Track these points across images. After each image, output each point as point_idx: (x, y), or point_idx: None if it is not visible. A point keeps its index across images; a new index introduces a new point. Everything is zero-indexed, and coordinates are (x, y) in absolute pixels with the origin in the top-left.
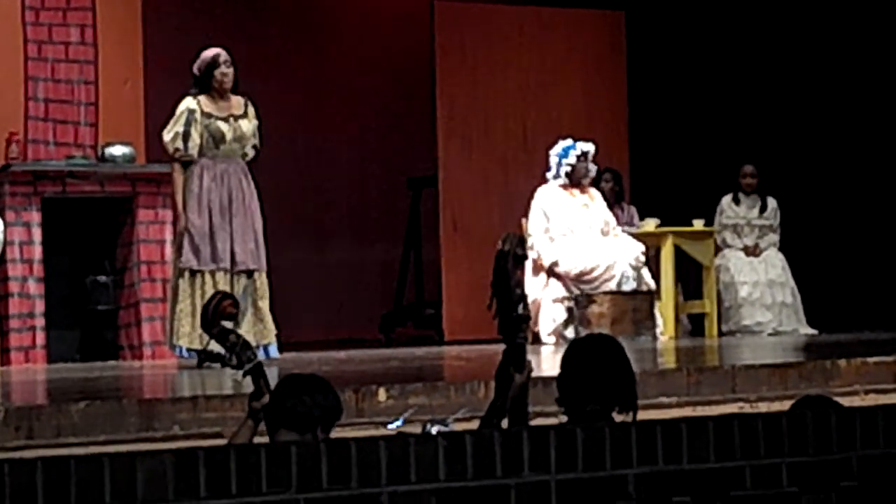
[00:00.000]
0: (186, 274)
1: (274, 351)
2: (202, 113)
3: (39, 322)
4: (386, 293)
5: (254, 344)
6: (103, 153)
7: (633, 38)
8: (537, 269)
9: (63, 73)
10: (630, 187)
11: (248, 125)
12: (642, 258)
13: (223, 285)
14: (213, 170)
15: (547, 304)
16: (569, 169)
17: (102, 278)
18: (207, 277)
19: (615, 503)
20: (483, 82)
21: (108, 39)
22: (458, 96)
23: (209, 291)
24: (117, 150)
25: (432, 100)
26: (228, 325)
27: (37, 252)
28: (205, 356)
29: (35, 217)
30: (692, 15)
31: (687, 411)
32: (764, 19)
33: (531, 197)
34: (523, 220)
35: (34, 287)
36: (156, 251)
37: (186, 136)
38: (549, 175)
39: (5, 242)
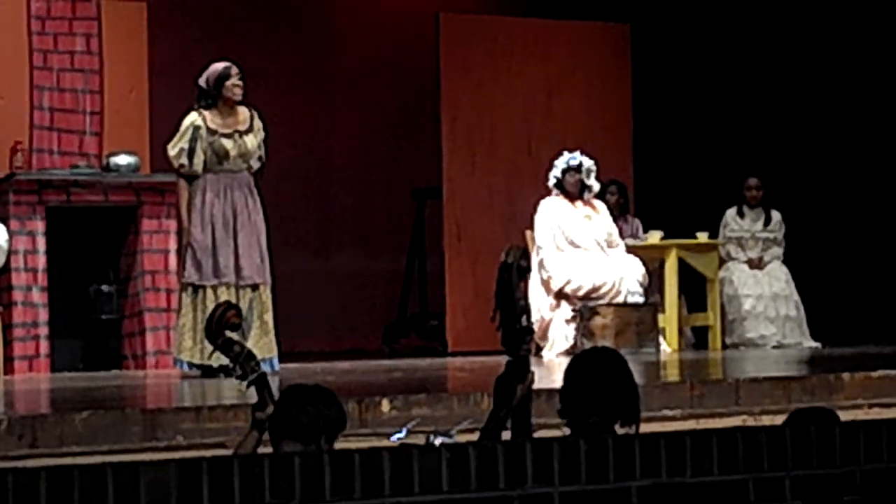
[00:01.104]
0: (189, 289)
1: (277, 364)
2: (207, 129)
3: (43, 331)
4: (390, 304)
5: (259, 357)
6: (108, 162)
7: (637, 51)
8: (548, 288)
9: (68, 82)
10: (634, 200)
11: (253, 140)
12: (646, 276)
13: (226, 300)
14: (217, 184)
15: (559, 324)
16: (554, 181)
17: (106, 288)
18: (209, 292)
19: None
20: (488, 94)
21: (113, 49)
22: (462, 108)
23: (211, 306)
24: (122, 160)
25: (437, 111)
26: (232, 335)
27: (41, 261)
28: (205, 373)
29: (39, 226)
30: (697, 28)
31: (690, 424)
32: (769, 33)
33: (535, 209)
34: (527, 232)
35: (38, 296)
36: (160, 261)
37: (192, 153)
38: (549, 184)
39: (9, 251)
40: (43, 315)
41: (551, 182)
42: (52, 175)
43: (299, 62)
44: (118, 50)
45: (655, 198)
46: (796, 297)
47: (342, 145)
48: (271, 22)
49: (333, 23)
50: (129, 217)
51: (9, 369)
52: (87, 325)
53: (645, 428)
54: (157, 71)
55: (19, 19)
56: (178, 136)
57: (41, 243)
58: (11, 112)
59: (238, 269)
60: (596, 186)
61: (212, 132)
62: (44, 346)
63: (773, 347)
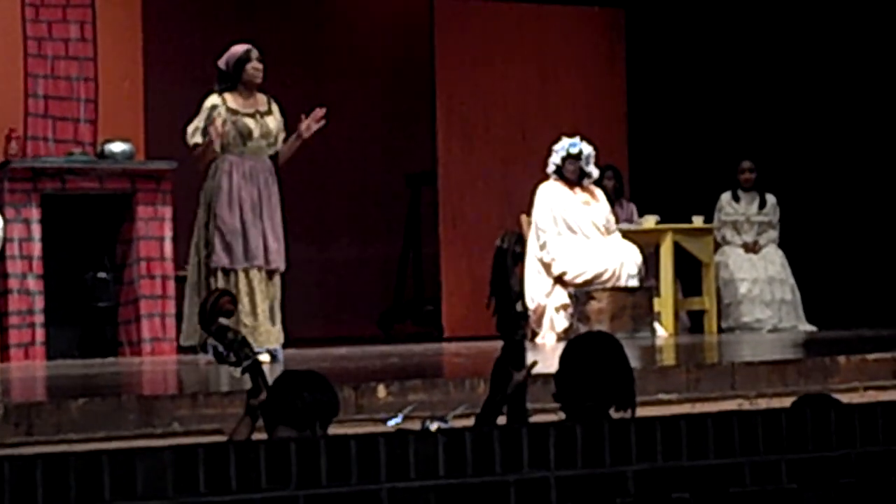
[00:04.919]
0: (220, 273)
1: (280, 354)
2: (228, 109)
3: (39, 319)
4: (385, 290)
5: (273, 346)
6: (102, 150)
7: (632, 36)
8: (548, 270)
9: (62, 69)
10: (629, 184)
11: (274, 121)
12: (643, 265)
13: (258, 283)
14: (242, 167)
15: (550, 311)
16: (554, 167)
17: (102, 275)
18: (241, 276)
19: (614, 500)
20: (482, 79)
21: (107, 36)
22: (457, 93)
23: (244, 290)
24: (116, 147)
25: (432, 97)
26: (227, 322)
27: (36, 249)
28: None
29: (34, 214)
30: (691, 12)
31: (686, 408)
32: (762, 16)
33: (532, 193)
34: (522, 217)
35: (34, 283)
36: (155, 248)
37: (206, 132)
38: (548, 170)
39: (5, 239)
40: (39, 303)
41: (550, 168)
42: (46, 163)
43: (294, 49)
44: (112, 37)
45: (650, 182)
46: (792, 280)
47: (336, 131)
48: (266, 9)
49: (328, 9)
50: (124, 204)
51: (5, 357)
52: (83, 313)
53: (641, 412)
54: (152, 58)
55: (13, 6)
56: (198, 116)
57: (36, 231)
58: (6, 100)
59: (266, 251)
60: (595, 173)
61: (233, 112)
62: (39, 334)
63: (769, 331)
